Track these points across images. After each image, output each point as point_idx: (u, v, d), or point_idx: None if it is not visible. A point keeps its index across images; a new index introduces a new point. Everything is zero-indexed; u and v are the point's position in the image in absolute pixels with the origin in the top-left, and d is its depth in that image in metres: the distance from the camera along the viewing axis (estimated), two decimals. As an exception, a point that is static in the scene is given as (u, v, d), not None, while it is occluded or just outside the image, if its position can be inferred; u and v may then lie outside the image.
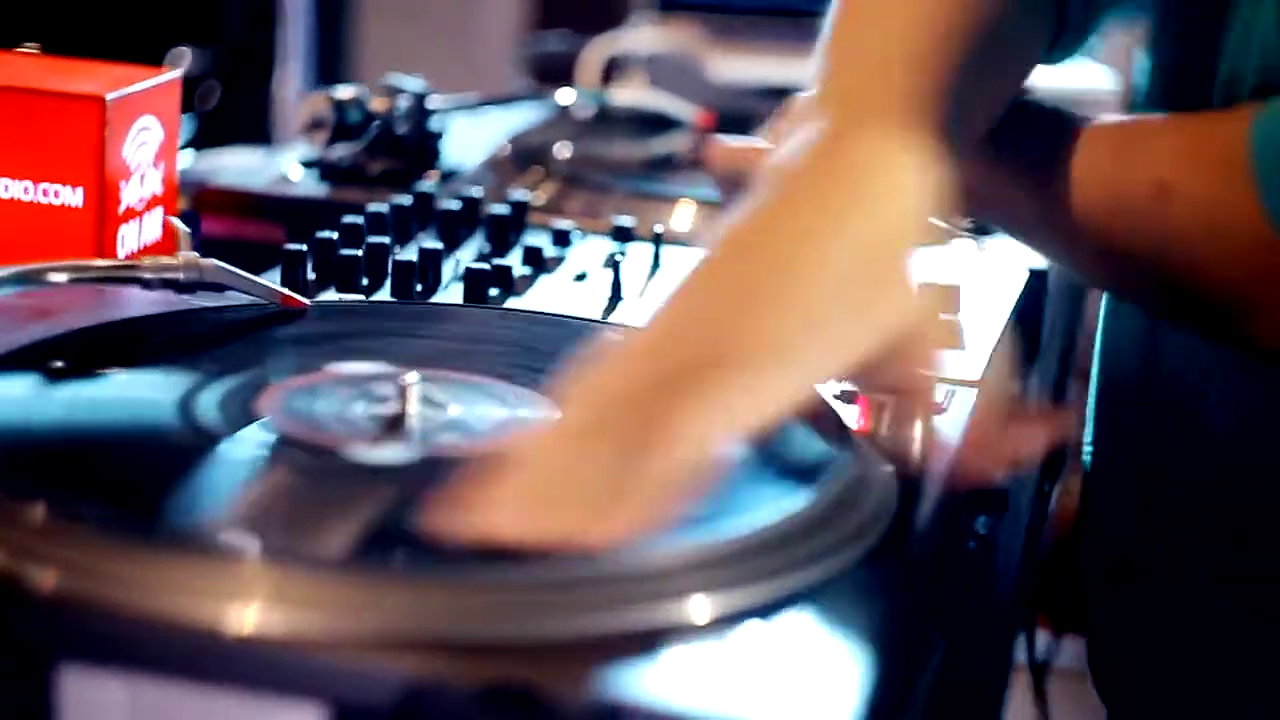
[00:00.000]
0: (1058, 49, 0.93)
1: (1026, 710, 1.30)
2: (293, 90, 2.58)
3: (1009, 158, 0.90)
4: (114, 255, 1.05)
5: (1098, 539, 1.02)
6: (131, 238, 1.06)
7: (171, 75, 1.09)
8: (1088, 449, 1.02)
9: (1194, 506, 0.93)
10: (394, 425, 0.75)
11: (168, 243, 1.10)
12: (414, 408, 0.76)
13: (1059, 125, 0.90)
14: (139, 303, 0.93)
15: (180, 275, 0.88)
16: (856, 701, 0.59)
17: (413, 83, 1.27)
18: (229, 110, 2.49)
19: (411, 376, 0.77)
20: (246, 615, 0.61)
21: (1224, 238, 0.82)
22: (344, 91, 1.24)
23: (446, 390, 0.79)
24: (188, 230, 0.89)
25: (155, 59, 1.13)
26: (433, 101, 1.26)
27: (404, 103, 1.24)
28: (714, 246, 0.75)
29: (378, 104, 1.24)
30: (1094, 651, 1.03)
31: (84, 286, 0.92)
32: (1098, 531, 1.02)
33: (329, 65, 2.64)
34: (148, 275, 0.88)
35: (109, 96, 1.03)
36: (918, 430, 0.81)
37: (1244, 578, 0.92)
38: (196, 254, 0.88)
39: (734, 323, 0.72)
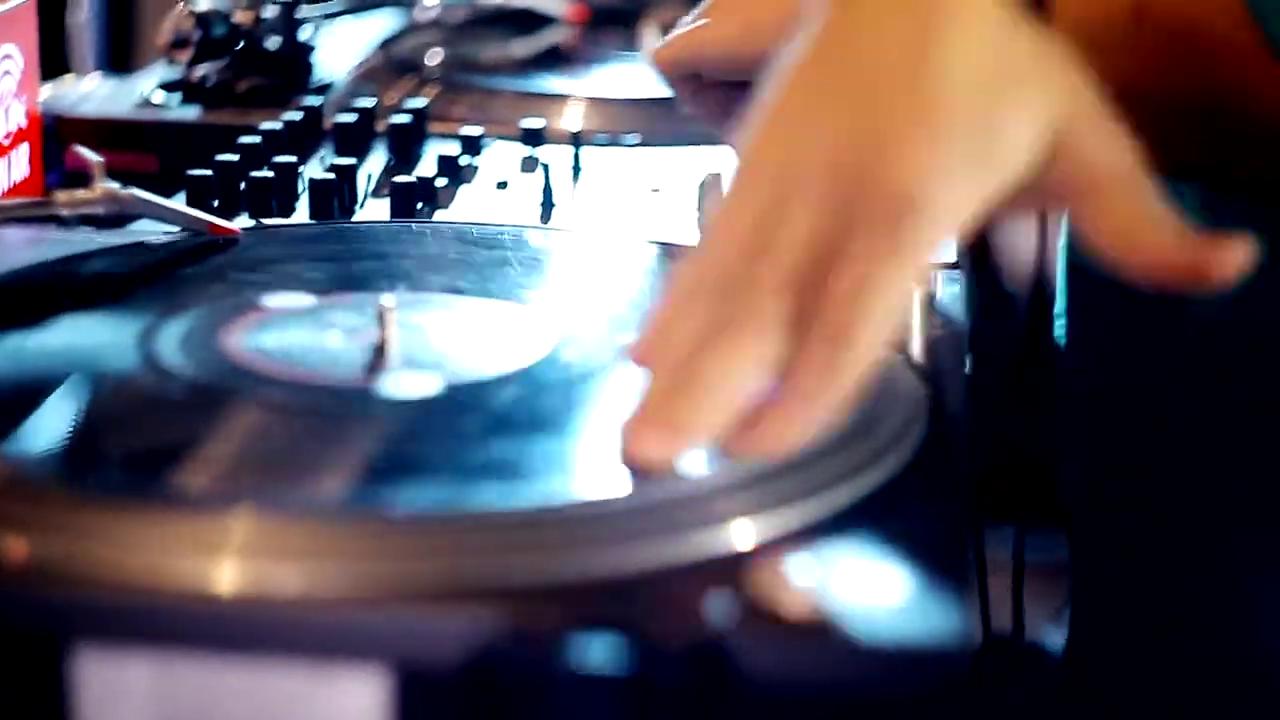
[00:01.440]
0: None
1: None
2: (83, 15, 2.45)
3: None
4: (-17, 196, 0.97)
5: (1078, 442, 0.99)
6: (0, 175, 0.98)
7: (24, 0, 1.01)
8: (1060, 322, 0.99)
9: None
10: (378, 354, 0.69)
11: (35, 179, 1.03)
12: (394, 333, 0.70)
13: None
14: (21, 243, 0.85)
15: (100, 209, 0.80)
16: (953, 603, 0.55)
17: (276, -10, 1.19)
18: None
19: (389, 300, 0.70)
20: (288, 575, 0.54)
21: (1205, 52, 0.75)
22: (204, 3, 1.16)
23: (417, 311, 0.73)
24: (101, 160, 0.81)
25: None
26: (301, 10, 1.19)
27: (269, 13, 1.16)
28: (783, 79, 0.62)
29: (242, 16, 1.16)
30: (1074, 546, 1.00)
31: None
32: (1077, 433, 0.99)
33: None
34: (64, 211, 0.80)
35: (-35, 26, 0.95)
36: (915, 319, 0.77)
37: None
38: (115, 185, 0.80)
39: (874, 161, 0.60)
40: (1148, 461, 0.93)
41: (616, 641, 0.53)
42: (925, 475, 0.64)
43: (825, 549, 0.58)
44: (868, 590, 0.56)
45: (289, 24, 1.17)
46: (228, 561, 0.55)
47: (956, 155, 0.60)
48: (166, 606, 0.54)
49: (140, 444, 0.63)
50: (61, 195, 0.80)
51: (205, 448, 0.62)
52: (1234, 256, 0.63)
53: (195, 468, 0.61)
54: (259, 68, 1.16)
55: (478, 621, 0.53)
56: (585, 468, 0.61)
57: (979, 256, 0.95)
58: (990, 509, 1.13)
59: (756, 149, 0.62)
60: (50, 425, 0.64)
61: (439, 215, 0.93)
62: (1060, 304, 0.99)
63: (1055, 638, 1.04)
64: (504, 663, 0.53)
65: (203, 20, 1.15)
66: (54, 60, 2.24)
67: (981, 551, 1.08)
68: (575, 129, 1.06)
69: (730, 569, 0.56)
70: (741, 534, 0.58)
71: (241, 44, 1.15)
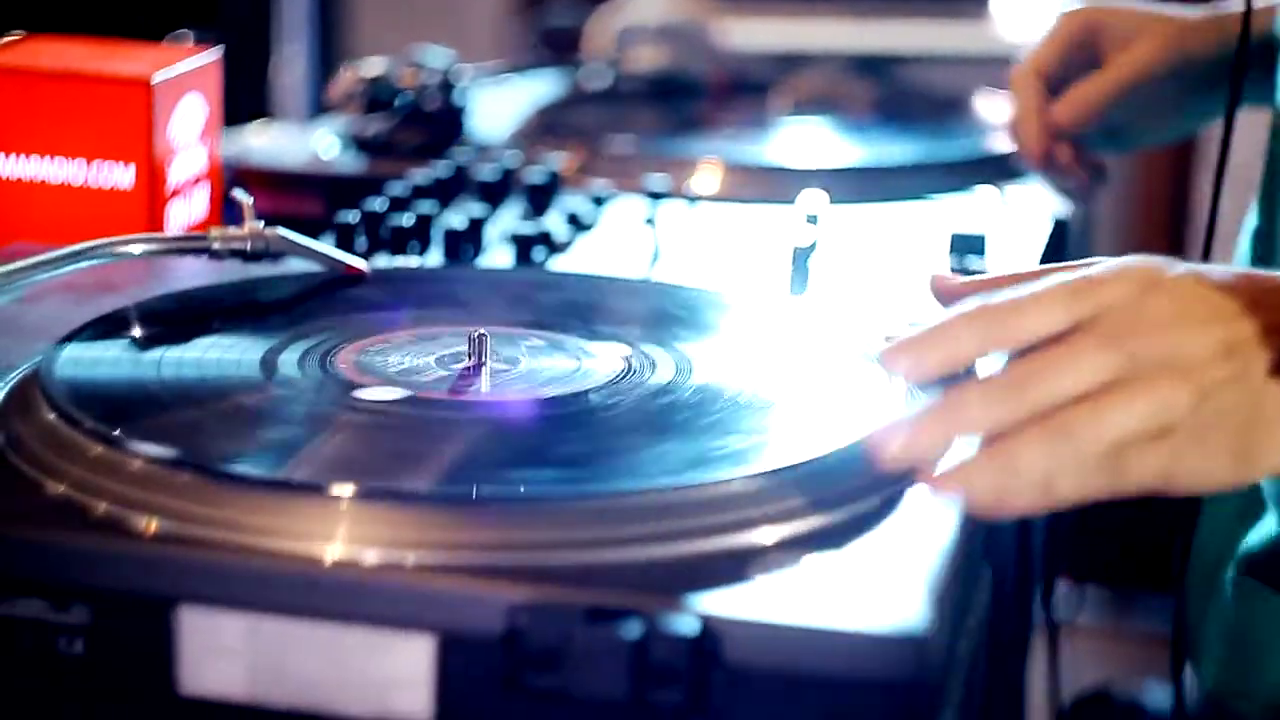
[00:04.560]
0: None
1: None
2: (294, 72, 2.60)
3: None
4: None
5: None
6: (180, 215, 1.09)
7: (212, 55, 1.13)
8: None
9: None
10: (466, 376, 0.80)
11: (214, 218, 1.14)
12: (487, 359, 0.81)
13: None
14: (191, 274, 0.97)
15: (247, 245, 0.92)
16: (921, 611, 0.64)
17: (437, 56, 1.31)
18: (231, 92, 2.48)
19: (481, 330, 0.81)
20: (359, 552, 0.65)
21: None
22: (372, 68, 1.28)
23: (511, 344, 0.84)
24: (250, 201, 0.93)
25: (155, 41, 1.16)
26: (456, 75, 1.30)
27: (429, 79, 1.28)
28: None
29: (405, 79, 1.28)
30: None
31: (137, 261, 0.95)
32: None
33: (328, 44, 2.67)
34: (216, 246, 0.91)
35: (155, 79, 1.06)
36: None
37: None
38: (261, 224, 0.92)
39: None
40: None
41: (631, 622, 0.63)
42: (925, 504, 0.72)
43: (822, 555, 0.67)
44: (853, 591, 0.65)
45: (446, 88, 1.29)
46: (319, 540, 0.66)
47: None
48: (261, 574, 0.65)
49: (252, 440, 0.74)
50: (215, 231, 0.91)
51: (309, 444, 0.73)
52: None
53: (302, 460, 0.72)
54: (420, 125, 1.28)
55: (514, 598, 0.63)
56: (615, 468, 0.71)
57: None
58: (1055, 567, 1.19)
59: None
60: (180, 424, 0.75)
61: (556, 262, 1.04)
62: None
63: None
64: (530, 633, 0.63)
65: (371, 82, 1.27)
66: (257, 110, 2.39)
67: (1050, 606, 1.15)
68: (695, 189, 1.16)
69: (737, 566, 0.66)
70: (753, 536, 0.68)
71: (404, 104, 1.27)
